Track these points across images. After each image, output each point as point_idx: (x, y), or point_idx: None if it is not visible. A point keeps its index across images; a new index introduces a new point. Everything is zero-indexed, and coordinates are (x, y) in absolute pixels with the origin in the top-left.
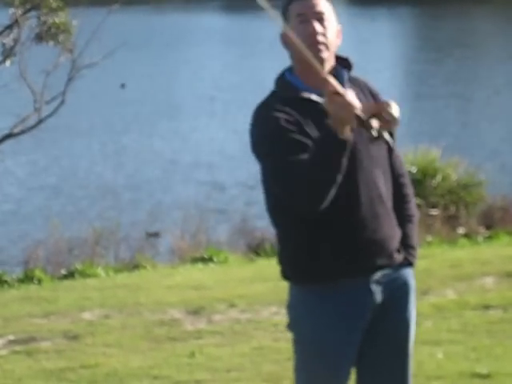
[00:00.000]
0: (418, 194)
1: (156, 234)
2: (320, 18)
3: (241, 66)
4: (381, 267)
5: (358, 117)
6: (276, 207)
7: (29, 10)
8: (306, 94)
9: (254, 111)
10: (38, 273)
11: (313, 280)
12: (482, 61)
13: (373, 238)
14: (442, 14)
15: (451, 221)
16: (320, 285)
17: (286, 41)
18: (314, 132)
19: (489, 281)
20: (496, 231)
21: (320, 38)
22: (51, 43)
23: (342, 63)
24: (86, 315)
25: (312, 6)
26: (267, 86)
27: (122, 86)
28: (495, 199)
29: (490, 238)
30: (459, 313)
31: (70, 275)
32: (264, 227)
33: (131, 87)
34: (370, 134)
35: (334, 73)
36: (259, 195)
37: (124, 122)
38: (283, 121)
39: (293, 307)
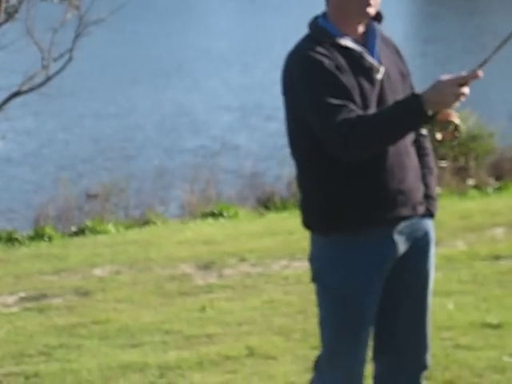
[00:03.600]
0: None
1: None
2: None
3: (249, 24)
4: (404, 218)
5: (447, 117)
6: (307, 152)
7: None
8: (342, 41)
9: (289, 55)
10: (48, 230)
11: (340, 228)
12: (492, 13)
13: (399, 188)
14: None
15: (461, 172)
16: (346, 234)
17: None
18: (349, 78)
19: (499, 231)
20: (506, 182)
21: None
22: (57, 0)
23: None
24: (97, 271)
25: None
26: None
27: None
28: (505, 151)
29: (499, 189)
30: (469, 263)
31: (81, 232)
32: (273, 182)
33: (138, 46)
34: (434, 134)
35: (369, 26)
36: (269, 150)
37: (131, 77)
38: (327, 63)
39: (316, 259)
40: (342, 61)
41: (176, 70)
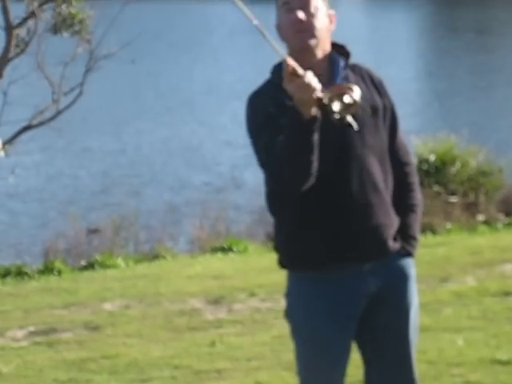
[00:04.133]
0: (437, 182)
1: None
2: (305, 5)
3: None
4: (374, 255)
5: (318, 99)
6: (268, 193)
7: (45, 2)
8: None
9: (248, 98)
10: (57, 264)
11: (304, 266)
12: (501, 49)
13: (364, 226)
14: (460, 3)
15: (471, 208)
16: (312, 271)
17: (279, 31)
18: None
19: (509, 267)
20: None
21: (304, 26)
22: (66, 34)
23: (339, 50)
24: (107, 306)
25: None
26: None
27: (133, 61)
28: None
29: (509, 224)
30: (479, 300)
31: (90, 266)
32: None
33: (147, 80)
34: (332, 117)
35: (329, 60)
36: None
37: (142, 112)
38: (273, 107)
39: (288, 295)
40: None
41: (184, 105)
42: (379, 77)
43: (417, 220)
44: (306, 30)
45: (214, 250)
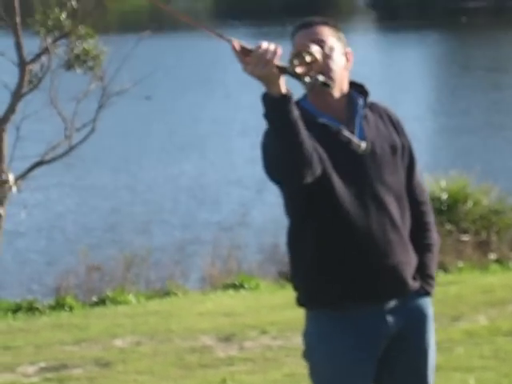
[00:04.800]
0: (449, 220)
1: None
2: (320, 46)
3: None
4: (394, 294)
5: (280, 68)
6: (291, 230)
7: (59, 39)
8: (319, 119)
9: (263, 133)
10: (69, 300)
11: (323, 305)
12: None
13: (384, 264)
14: (472, 40)
15: (482, 246)
16: (332, 311)
17: None
18: (324, 154)
19: None
20: None
21: (318, 68)
22: (80, 70)
23: (358, 89)
24: (118, 342)
25: (312, 35)
26: None
27: (148, 98)
28: None
29: None
30: (491, 339)
31: (101, 302)
32: None
33: (158, 117)
34: (303, 81)
35: (348, 99)
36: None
37: (153, 149)
38: None
39: (307, 335)
40: (319, 138)
41: (196, 142)
42: (396, 116)
43: (434, 259)
44: (322, 72)
45: (226, 287)
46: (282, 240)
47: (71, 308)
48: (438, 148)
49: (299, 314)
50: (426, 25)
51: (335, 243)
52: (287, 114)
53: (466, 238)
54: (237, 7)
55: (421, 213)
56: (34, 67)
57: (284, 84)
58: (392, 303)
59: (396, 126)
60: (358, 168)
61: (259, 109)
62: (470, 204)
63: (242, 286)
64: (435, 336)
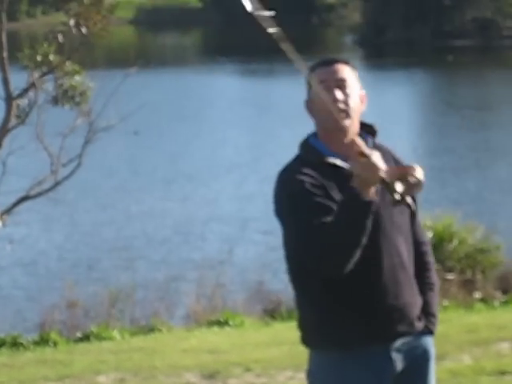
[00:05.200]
0: (434, 259)
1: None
2: (341, 85)
3: (256, 131)
4: (401, 334)
5: (382, 179)
6: (299, 271)
7: (46, 74)
8: (330, 159)
9: (278, 174)
10: (53, 335)
11: (334, 346)
12: (499, 126)
13: (394, 305)
14: (460, 79)
15: (468, 285)
16: (341, 351)
17: (310, 107)
18: (338, 196)
19: (505, 346)
20: None
21: (341, 106)
22: (67, 106)
23: (367, 129)
24: (102, 379)
25: (334, 73)
26: (284, 151)
27: (136, 133)
28: (511, 263)
29: (506, 302)
30: (475, 378)
31: (86, 338)
32: (280, 290)
33: (143, 153)
34: (393, 197)
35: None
36: (275, 258)
37: (139, 185)
38: (308, 184)
39: (313, 374)
40: (329, 179)
41: (181, 178)
42: (398, 156)
43: (436, 298)
44: (342, 110)
45: (210, 324)
46: (267, 277)
47: (55, 344)
48: (424, 187)
49: (283, 352)
50: (413, 63)
51: (345, 286)
52: (367, 217)
53: (451, 276)
54: (224, 44)
55: (423, 253)
56: (22, 102)
57: (374, 190)
58: (398, 343)
59: (398, 163)
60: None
61: (244, 146)
62: (455, 243)
63: (226, 323)
64: None
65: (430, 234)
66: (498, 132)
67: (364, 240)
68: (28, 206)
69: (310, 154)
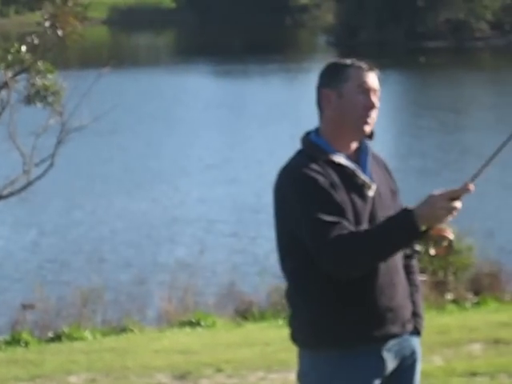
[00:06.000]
0: None
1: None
2: (376, 94)
3: (229, 132)
4: (394, 335)
5: (440, 228)
6: (298, 269)
7: (19, 73)
8: (335, 158)
9: (285, 171)
10: (24, 335)
11: (329, 345)
12: (471, 128)
13: (389, 306)
14: (433, 80)
15: (439, 286)
16: (335, 351)
17: (327, 99)
18: (342, 195)
19: (476, 347)
20: (484, 297)
21: (373, 114)
22: (40, 105)
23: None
24: (73, 379)
25: (375, 81)
26: (256, 153)
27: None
28: (483, 265)
29: (478, 304)
30: (446, 380)
31: (57, 338)
32: (252, 291)
33: (116, 153)
34: (419, 246)
35: (362, 144)
36: (246, 259)
37: (108, 184)
38: (321, 181)
39: (304, 374)
40: (335, 177)
41: (151, 179)
42: (386, 161)
43: (421, 300)
44: (372, 118)
45: (182, 324)
46: (239, 278)
47: (27, 343)
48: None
49: (255, 352)
50: (386, 64)
51: (342, 286)
52: (409, 244)
53: (423, 277)
54: (197, 44)
55: (408, 256)
56: None
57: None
58: (390, 343)
59: (389, 172)
60: (369, 210)
61: (216, 147)
62: None
63: (198, 324)
64: None
65: None
66: (471, 133)
67: (388, 259)
68: None
69: (314, 150)
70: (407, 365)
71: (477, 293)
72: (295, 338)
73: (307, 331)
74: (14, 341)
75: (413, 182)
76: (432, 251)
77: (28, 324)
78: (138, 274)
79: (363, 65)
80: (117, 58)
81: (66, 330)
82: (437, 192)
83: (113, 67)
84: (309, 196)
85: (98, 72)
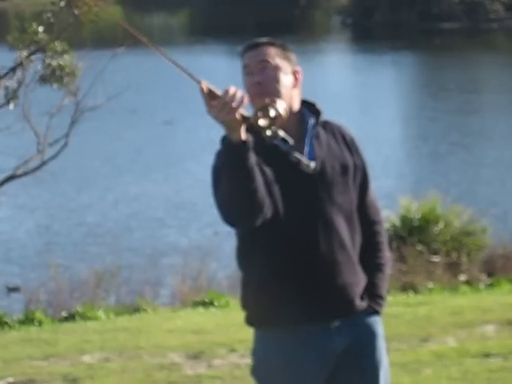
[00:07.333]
0: (420, 241)
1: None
2: (263, 67)
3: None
4: (340, 314)
5: (244, 118)
6: (239, 250)
7: (34, 53)
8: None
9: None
10: (38, 315)
11: (271, 324)
12: (486, 108)
13: (331, 285)
14: (447, 62)
15: (453, 267)
16: (278, 330)
17: None
18: (268, 170)
19: (489, 329)
20: (497, 279)
21: (262, 89)
22: (55, 85)
23: (310, 108)
24: (86, 358)
25: (255, 56)
26: None
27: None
28: (497, 247)
29: (491, 285)
30: (459, 361)
31: (71, 317)
32: None
33: (131, 134)
34: (264, 134)
35: (299, 118)
36: None
37: (125, 165)
38: None
39: (255, 353)
40: (267, 158)
41: (170, 160)
42: (351, 134)
43: (384, 279)
44: (266, 92)
45: (196, 304)
46: None
47: (40, 323)
48: (411, 170)
49: None
50: (401, 45)
51: (283, 264)
52: (244, 160)
53: (436, 259)
54: (211, 24)
55: (373, 232)
56: (11, 83)
57: (244, 131)
58: (339, 322)
59: (350, 144)
60: (307, 188)
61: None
62: (441, 225)
63: (211, 304)
64: (403, 356)
65: (416, 217)
66: (486, 115)
67: (254, 185)
68: (12, 186)
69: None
70: (363, 344)
71: (490, 274)
72: (246, 318)
73: (251, 313)
74: (28, 320)
75: (427, 163)
76: (262, 122)
77: (42, 303)
78: (151, 255)
79: (247, 46)
80: (131, 38)
81: (79, 309)
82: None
83: (127, 47)
84: (218, 168)
85: (113, 52)
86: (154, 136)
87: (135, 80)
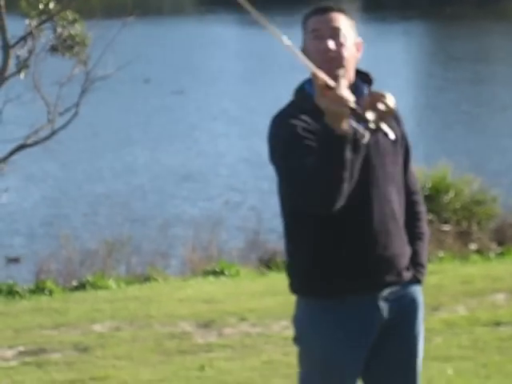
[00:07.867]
0: (430, 210)
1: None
2: (335, 33)
3: (254, 83)
4: (389, 284)
5: (352, 110)
6: (290, 216)
7: (44, 22)
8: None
9: (271, 119)
10: (49, 284)
11: (321, 294)
12: (497, 78)
13: (383, 255)
14: (458, 31)
15: (463, 236)
16: (328, 300)
17: (306, 55)
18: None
19: (500, 297)
20: (508, 248)
21: (333, 55)
22: (66, 55)
23: (363, 78)
24: (97, 327)
25: (327, 22)
26: (280, 101)
27: (146, 81)
28: (507, 216)
29: (501, 254)
30: (470, 329)
31: (82, 287)
32: (276, 241)
33: (142, 103)
34: (368, 126)
35: (354, 88)
36: (271, 209)
37: (135, 134)
38: (300, 128)
39: (299, 320)
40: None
41: (179, 130)
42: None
43: (425, 248)
44: (335, 59)
45: (206, 274)
46: (264, 227)
47: (51, 292)
48: (422, 139)
49: (278, 302)
50: (411, 15)
51: (336, 233)
52: (343, 150)
53: (446, 227)
54: None
55: (414, 202)
56: (22, 52)
57: (348, 123)
58: (386, 292)
59: (396, 115)
60: (364, 157)
61: (241, 98)
62: (451, 194)
63: (222, 273)
64: None
65: (427, 185)
66: (497, 85)
67: (346, 174)
68: (23, 156)
69: (304, 99)
70: (406, 313)
71: (501, 243)
72: (291, 286)
73: (300, 280)
74: (39, 289)
75: (437, 133)
76: (370, 115)
77: (52, 273)
78: (162, 225)
79: (317, 9)
80: (141, 7)
81: (90, 278)
82: (317, 98)
83: (137, 16)
84: (286, 140)
85: (123, 21)
86: (165, 106)
87: (145, 50)
